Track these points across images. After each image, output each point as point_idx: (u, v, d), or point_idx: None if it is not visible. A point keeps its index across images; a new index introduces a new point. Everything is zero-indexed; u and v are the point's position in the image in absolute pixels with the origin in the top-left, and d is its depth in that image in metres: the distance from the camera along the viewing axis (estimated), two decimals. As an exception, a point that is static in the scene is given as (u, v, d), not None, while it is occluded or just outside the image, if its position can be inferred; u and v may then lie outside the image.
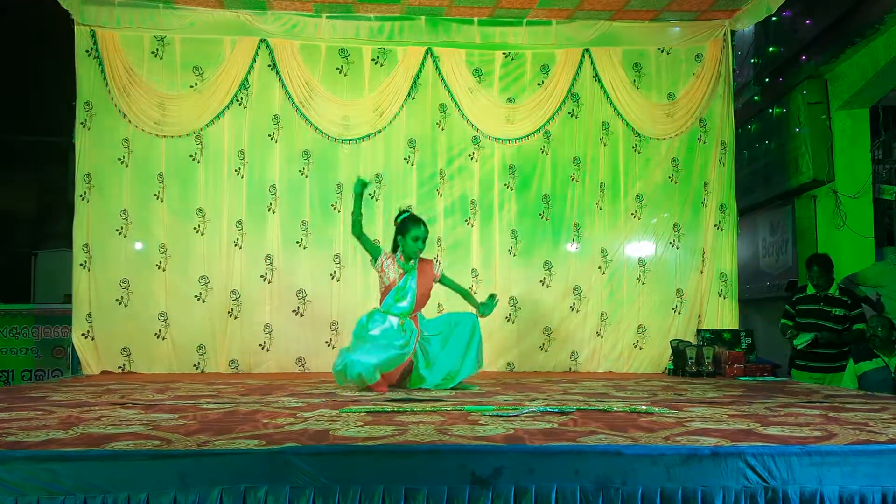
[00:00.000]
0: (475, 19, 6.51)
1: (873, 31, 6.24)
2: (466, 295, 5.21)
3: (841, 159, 6.99)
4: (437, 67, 6.59)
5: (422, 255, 4.95)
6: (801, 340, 5.77)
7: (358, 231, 4.82)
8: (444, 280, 5.05)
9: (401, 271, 4.83)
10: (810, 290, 5.90)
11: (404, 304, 4.79)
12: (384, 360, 4.54)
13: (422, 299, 4.88)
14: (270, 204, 6.43)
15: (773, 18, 6.81)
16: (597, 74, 6.65)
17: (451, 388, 4.65)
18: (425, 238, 4.86)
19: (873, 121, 7.17)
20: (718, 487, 2.35)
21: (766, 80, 7.96)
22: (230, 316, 6.31)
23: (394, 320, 4.76)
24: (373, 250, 4.91)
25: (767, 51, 7.80)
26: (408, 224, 4.84)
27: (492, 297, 5.08)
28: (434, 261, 5.10)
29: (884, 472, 2.40)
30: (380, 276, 4.90)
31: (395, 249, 4.93)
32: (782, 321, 6.03)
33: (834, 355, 5.77)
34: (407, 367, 4.71)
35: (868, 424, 2.98)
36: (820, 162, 6.98)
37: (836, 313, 5.74)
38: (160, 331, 6.25)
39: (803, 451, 2.42)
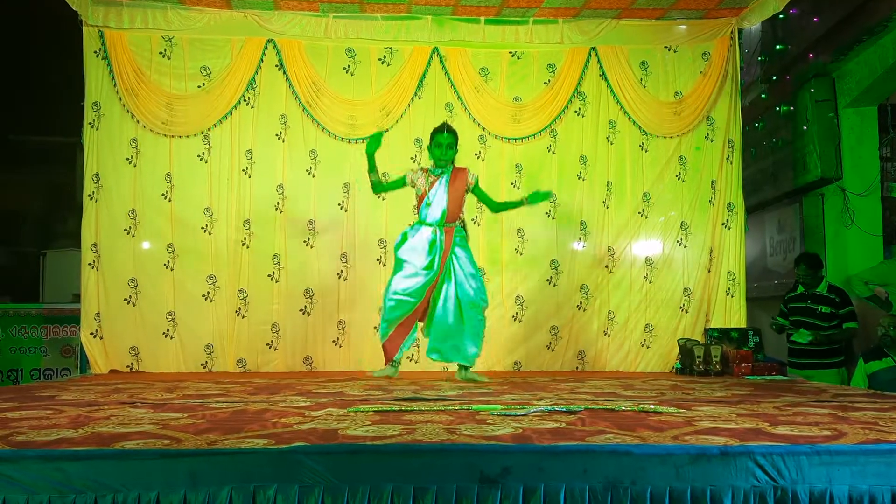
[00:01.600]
0: (482, 18, 6.51)
1: (882, 28, 6.22)
2: (502, 206, 5.39)
3: (849, 157, 6.96)
4: (444, 66, 6.59)
5: (457, 165, 5.06)
6: (799, 337, 5.86)
7: (378, 190, 5.14)
8: (476, 190, 5.10)
9: (432, 179, 4.92)
10: (801, 289, 5.98)
11: (437, 212, 4.90)
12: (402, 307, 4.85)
13: (454, 206, 4.95)
14: (278, 203, 6.44)
15: (781, 16, 6.78)
16: (603, 73, 6.64)
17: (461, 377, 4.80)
18: (449, 144, 4.97)
19: (882, 118, 7.13)
20: (728, 487, 2.35)
21: (774, 77, 7.93)
22: (238, 315, 6.33)
23: (426, 232, 4.86)
24: (398, 182, 5.08)
25: (775, 48, 7.77)
26: (432, 134, 5.03)
27: (544, 194, 5.24)
28: (468, 169, 5.14)
29: (894, 472, 2.39)
30: (415, 192, 5.04)
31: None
32: (777, 318, 6.16)
33: (823, 352, 5.85)
34: (427, 301, 4.89)
35: (878, 423, 2.97)
36: (828, 160, 6.96)
37: (823, 311, 5.82)
38: (168, 330, 6.27)
39: (813, 450, 2.42)
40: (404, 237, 4.96)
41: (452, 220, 4.90)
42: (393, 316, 4.89)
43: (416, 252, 4.84)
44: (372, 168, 4.96)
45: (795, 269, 6.02)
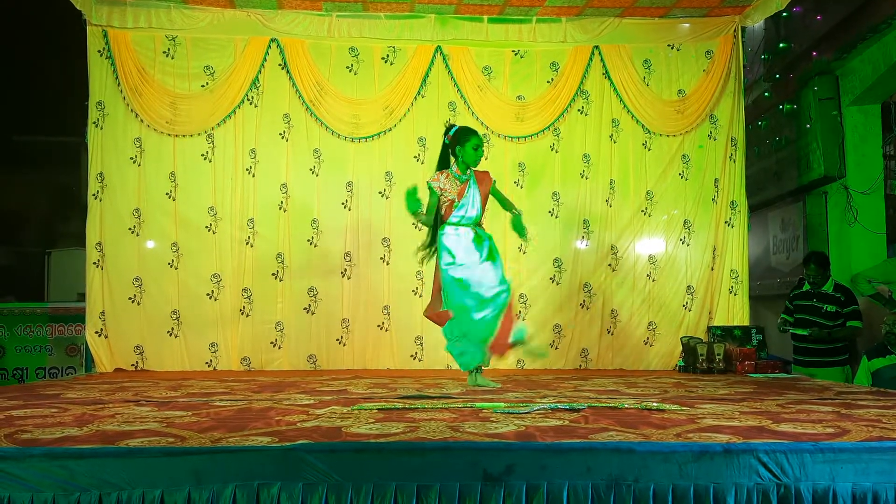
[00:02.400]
0: (484, 17, 6.51)
1: (886, 26, 6.19)
2: (506, 203, 5.20)
3: (852, 155, 6.94)
4: (447, 65, 6.59)
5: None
6: (796, 331, 5.96)
7: (428, 221, 4.88)
8: (493, 190, 5.01)
9: (460, 185, 4.82)
10: (807, 287, 5.99)
11: (473, 211, 4.81)
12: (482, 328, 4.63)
13: (484, 206, 4.91)
14: (281, 202, 6.45)
15: (784, 14, 6.77)
16: (606, 71, 6.63)
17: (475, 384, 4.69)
18: (482, 145, 4.89)
19: (885, 116, 7.11)
20: (731, 484, 2.35)
21: (777, 76, 7.91)
22: (242, 314, 6.34)
23: (463, 231, 4.77)
24: (434, 199, 4.85)
25: (778, 47, 7.74)
26: (464, 135, 4.82)
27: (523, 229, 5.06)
28: (487, 171, 5.02)
29: (897, 469, 2.39)
30: (442, 198, 4.83)
31: (443, 167, 4.91)
32: (781, 315, 6.16)
33: (825, 350, 5.86)
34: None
35: (881, 421, 2.97)
36: (831, 158, 6.93)
37: (828, 310, 5.84)
38: (173, 329, 6.29)
39: (816, 448, 2.42)
40: (450, 252, 4.73)
41: (481, 220, 4.94)
42: (483, 329, 4.65)
43: (469, 253, 4.72)
44: (422, 218, 4.84)
45: (805, 267, 6.02)
